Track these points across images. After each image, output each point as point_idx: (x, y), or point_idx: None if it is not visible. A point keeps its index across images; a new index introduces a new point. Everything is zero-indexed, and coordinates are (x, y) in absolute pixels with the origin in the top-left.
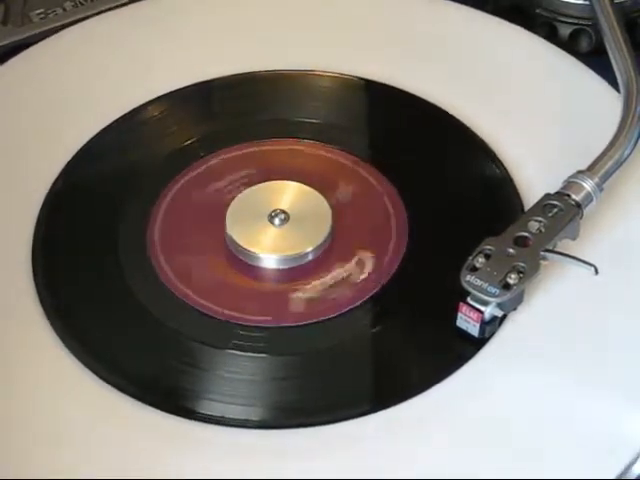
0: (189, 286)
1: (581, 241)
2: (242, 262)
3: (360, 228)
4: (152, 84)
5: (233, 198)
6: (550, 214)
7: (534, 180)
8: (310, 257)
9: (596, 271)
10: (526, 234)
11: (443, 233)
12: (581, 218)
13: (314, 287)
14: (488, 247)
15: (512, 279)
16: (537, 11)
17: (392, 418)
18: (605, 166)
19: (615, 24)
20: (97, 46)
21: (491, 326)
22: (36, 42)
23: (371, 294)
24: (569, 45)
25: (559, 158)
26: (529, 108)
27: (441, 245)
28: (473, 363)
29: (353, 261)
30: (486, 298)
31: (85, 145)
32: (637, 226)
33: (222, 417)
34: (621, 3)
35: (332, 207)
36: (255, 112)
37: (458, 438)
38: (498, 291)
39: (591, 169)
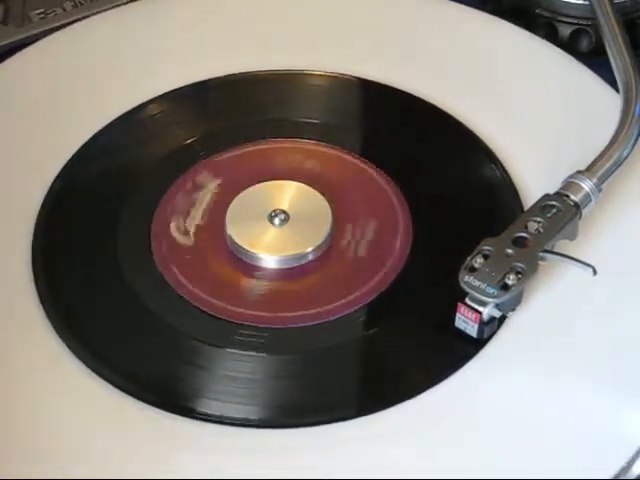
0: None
1: (580, 242)
2: (242, 262)
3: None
4: (152, 84)
5: (233, 198)
6: (549, 214)
7: (533, 180)
8: (310, 257)
9: (594, 272)
10: (525, 235)
11: (442, 233)
12: (580, 218)
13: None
14: (487, 247)
15: (510, 280)
16: (537, 11)
17: (392, 418)
18: (604, 166)
19: (615, 24)
20: (96, 45)
21: (490, 327)
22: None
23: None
24: (569, 45)
25: (558, 158)
26: (528, 108)
27: (440, 245)
28: (472, 364)
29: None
30: (484, 299)
31: (85, 144)
32: (636, 226)
33: (221, 416)
34: (621, 3)
35: (332, 207)
36: (255, 112)
37: (457, 438)
38: (496, 292)
39: (590, 169)
